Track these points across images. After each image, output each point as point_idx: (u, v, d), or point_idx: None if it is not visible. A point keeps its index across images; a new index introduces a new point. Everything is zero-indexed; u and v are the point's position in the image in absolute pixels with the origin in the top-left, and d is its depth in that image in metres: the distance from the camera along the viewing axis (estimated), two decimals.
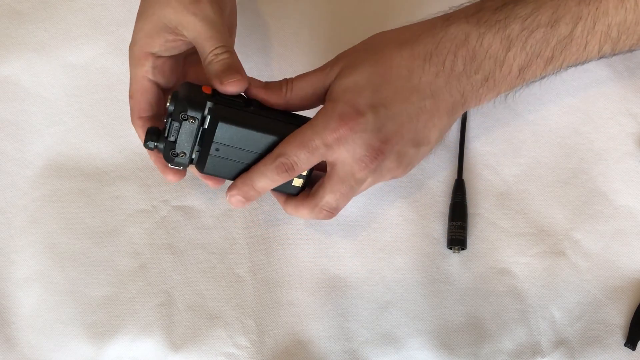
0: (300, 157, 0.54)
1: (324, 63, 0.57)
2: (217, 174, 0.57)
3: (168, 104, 0.54)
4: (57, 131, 0.68)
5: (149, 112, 0.59)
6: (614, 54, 0.60)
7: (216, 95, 0.55)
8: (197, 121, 0.54)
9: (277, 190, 0.58)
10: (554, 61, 0.57)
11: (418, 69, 0.54)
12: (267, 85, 0.57)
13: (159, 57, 0.58)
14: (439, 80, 0.55)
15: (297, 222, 0.65)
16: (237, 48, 0.69)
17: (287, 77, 0.57)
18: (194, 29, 0.56)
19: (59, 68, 0.70)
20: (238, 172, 0.57)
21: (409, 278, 0.63)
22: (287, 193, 0.59)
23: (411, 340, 0.61)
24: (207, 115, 0.54)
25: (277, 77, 0.68)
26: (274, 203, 0.65)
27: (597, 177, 0.65)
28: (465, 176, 0.65)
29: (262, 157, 0.56)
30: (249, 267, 0.64)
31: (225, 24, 0.57)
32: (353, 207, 0.65)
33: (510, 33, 0.54)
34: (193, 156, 0.56)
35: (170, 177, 0.58)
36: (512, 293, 0.62)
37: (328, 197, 0.56)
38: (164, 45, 0.58)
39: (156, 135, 0.56)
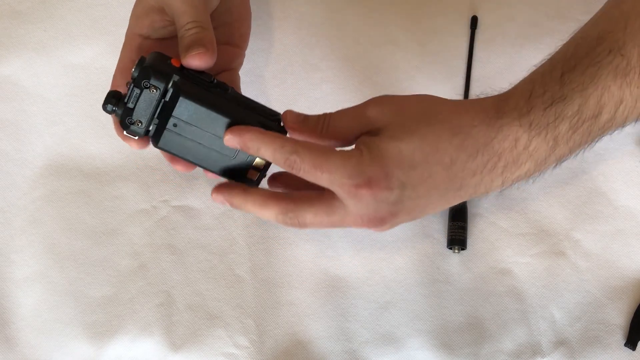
0: (310, 174, 0.51)
1: (365, 101, 0.54)
2: (172, 151, 0.55)
3: (133, 70, 0.53)
4: (57, 131, 0.68)
5: (122, 89, 0.57)
6: None
7: (184, 70, 0.53)
8: (158, 91, 0.52)
9: (227, 177, 0.56)
10: (591, 142, 0.55)
11: (460, 163, 0.51)
12: (305, 120, 0.54)
13: (147, 38, 0.58)
14: (473, 179, 0.52)
15: None
16: None
17: (326, 113, 0.54)
18: (172, 7, 0.55)
19: (59, 68, 0.70)
20: (193, 153, 0.54)
21: (409, 278, 0.63)
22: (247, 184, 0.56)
23: (411, 340, 0.61)
24: (170, 89, 0.52)
25: (277, 77, 0.69)
26: None
27: (597, 177, 0.65)
28: None
29: (221, 141, 0.53)
30: (249, 267, 0.64)
31: (205, 3, 0.56)
32: None
33: (557, 134, 0.52)
34: (150, 128, 0.54)
35: (133, 144, 0.56)
36: (512, 293, 0.62)
37: (309, 216, 0.53)
38: (151, 27, 0.57)
39: (116, 99, 0.54)
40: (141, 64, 0.52)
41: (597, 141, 0.54)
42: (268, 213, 0.53)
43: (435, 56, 0.69)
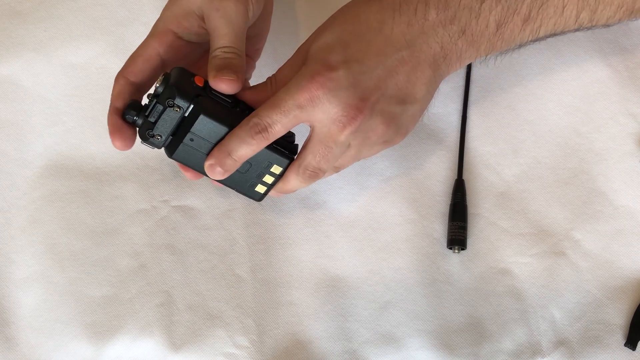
0: (274, 118, 0.52)
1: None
2: (184, 162, 0.56)
3: (157, 85, 0.54)
4: (57, 131, 0.68)
5: (139, 78, 0.57)
6: (592, 26, 0.58)
7: (206, 89, 0.54)
8: (181, 111, 0.53)
9: (242, 193, 0.58)
10: (531, 22, 0.55)
11: (388, 20, 0.53)
12: (254, 87, 0.57)
13: (179, 38, 0.58)
14: (412, 30, 0.53)
15: (297, 222, 0.65)
16: None
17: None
18: (213, 23, 0.55)
19: (59, 68, 0.70)
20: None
21: (409, 278, 0.63)
22: (251, 198, 0.59)
23: (411, 340, 0.61)
24: (191, 105, 0.53)
25: None
26: (274, 203, 0.65)
27: (597, 177, 0.65)
28: (465, 176, 0.65)
29: None
30: (249, 267, 0.64)
31: (244, 29, 0.57)
32: (353, 207, 0.65)
33: None
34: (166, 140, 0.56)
35: (118, 144, 0.57)
36: (512, 293, 0.62)
37: (309, 158, 0.55)
38: (188, 29, 0.57)
39: (137, 110, 0.55)
40: (166, 81, 0.54)
41: (541, 32, 0.56)
42: (290, 182, 0.57)
43: None
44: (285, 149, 0.56)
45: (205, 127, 0.54)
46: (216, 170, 0.55)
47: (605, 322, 0.61)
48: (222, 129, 0.54)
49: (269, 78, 0.57)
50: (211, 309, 0.63)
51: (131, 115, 0.55)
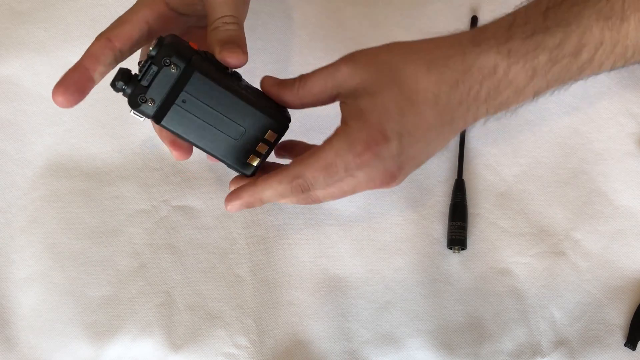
0: (319, 180, 0.52)
1: (337, 60, 0.55)
2: (175, 130, 0.54)
3: (151, 48, 0.52)
4: (57, 131, 0.68)
5: (121, 43, 0.55)
6: (623, 67, 0.58)
7: (202, 54, 0.53)
8: (178, 70, 0.52)
9: (234, 169, 0.56)
10: (569, 82, 0.56)
11: (443, 95, 0.52)
12: (282, 83, 0.56)
13: (170, 8, 0.57)
14: (461, 108, 0.53)
15: (297, 222, 0.65)
16: None
17: (302, 74, 0.55)
18: None
19: (59, 68, 0.69)
20: (197, 133, 0.54)
21: (409, 278, 0.63)
22: (240, 172, 0.56)
23: (411, 340, 0.61)
24: (184, 65, 0.52)
25: (277, 77, 0.68)
26: (274, 203, 0.65)
27: (597, 177, 0.65)
28: (465, 176, 0.65)
29: (229, 122, 0.54)
30: (249, 267, 0.64)
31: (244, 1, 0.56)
32: (353, 207, 0.65)
33: (536, 65, 0.53)
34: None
35: (60, 98, 0.54)
36: (512, 293, 0.62)
37: (319, 189, 0.54)
38: (181, 0, 0.56)
39: (127, 77, 0.53)
40: (161, 42, 0.52)
41: (572, 83, 0.56)
42: (281, 192, 0.54)
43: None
44: (277, 117, 0.55)
45: (200, 86, 0.52)
46: (237, 207, 0.55)
47: (605, 322, 0.61)
48: (217, 89, 0.52)
49: (297, 79, 0.55)
50: (211, 309, 0.63)
51: (122, 82, 0.52)
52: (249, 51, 0.68)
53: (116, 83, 0.53)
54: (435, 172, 0.65)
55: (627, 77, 0.67)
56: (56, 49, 0.70)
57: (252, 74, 0.68)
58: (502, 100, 0.54)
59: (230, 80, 0.54)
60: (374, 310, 0.62)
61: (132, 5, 0.57)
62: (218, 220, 0.65)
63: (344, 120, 0.53)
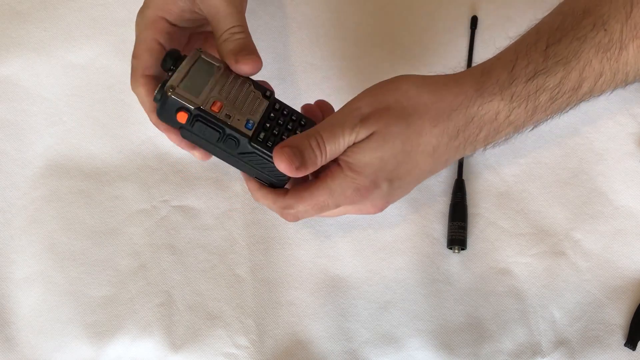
0: (309, 213, 0.55)
1: (355, 119, 0.53)
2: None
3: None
4: (57, 131, 0.68)
5: (154, 70, 0.57)
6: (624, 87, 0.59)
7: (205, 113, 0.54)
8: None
9: (263, 181, 0.56)
10: (567, 110, 0.57)
11: (442, 146, 0.54)
12: (303, 163, 0.53)
13: (171, 24, 0.58)
14: (457, 152, 0.56)
15: (297, 222, 0.65)
16: None
17: (317, 140, 0.53)
18: (213, 4, 0.55)
19: (59, 68, 0.70)
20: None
21: (409, 278, 0.63)
22: (273, 185, 0.56)
23: (411, 340, 0.61)
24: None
25: (277, 77, 0.68)
26: None
27: (597, 177, 0.65)
28: (465, 176, 0.65)
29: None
30: (249, 267, 0.64)
31: (242, 3, 0.57)
32: None
33: (537, 104, 0.54)
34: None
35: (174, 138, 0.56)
36: (512, 293, 0.62)
37: (301, 206, 0.55)
38: (179, 15, 0.57)
39: (174, 59, 0.54)
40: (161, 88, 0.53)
41: (572, 108, 0.57)
42: (273, 209, 0.57)
43: (436, 56, 0.69)
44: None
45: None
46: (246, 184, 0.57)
47: (605, 322, 0.61)
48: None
49: (317, 148, 0.53)
50: (211, 309, 0.62)
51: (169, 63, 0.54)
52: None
53: (165, 63, 0.54)
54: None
55: None
56: (56, 49, 0.70)
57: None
58: (500, 137, 0.56)
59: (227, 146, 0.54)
60: (374, 310, 0.62)
61: (135, 24, 0.58)
62: (218, 220, 0.65)
63: (344, 165, 0.53)
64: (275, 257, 0.64)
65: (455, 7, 0.70)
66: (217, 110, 0.53)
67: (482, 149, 0.57)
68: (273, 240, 0.64)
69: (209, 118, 0.53)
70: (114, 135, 0.68)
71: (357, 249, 0.64)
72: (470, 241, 0.63)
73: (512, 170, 0.65)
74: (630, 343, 0.60)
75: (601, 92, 0.56)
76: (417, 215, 0.64)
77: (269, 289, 0.63)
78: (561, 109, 0.56)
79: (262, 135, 0.54)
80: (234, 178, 0.66)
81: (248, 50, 0.55)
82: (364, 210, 0.56)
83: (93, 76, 0.70)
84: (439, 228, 0.64)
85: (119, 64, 0.70)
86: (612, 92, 0.57)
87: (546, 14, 0.57)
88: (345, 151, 0.53)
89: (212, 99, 0.53)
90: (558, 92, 0.54)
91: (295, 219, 0.56)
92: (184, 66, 0.53)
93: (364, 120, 0.53)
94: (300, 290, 0.63)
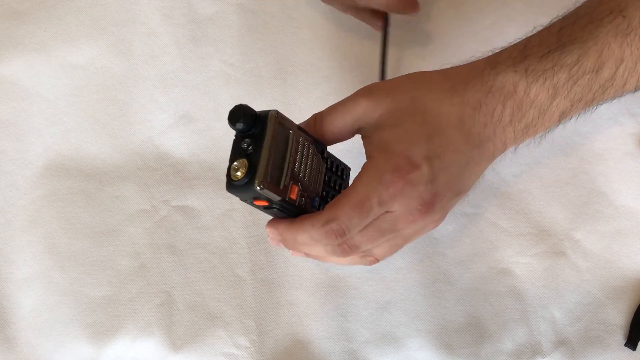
0: (354, 222, 0.49)
1: (353, 95, 0.53)
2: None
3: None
4: (57, 131, 0.68)
5: None
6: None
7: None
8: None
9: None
10: (594, 102, 0.55)
11: (468, 119, 0.52)
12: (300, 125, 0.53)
13: None
14: (487, 131, 0.53)
15: None
16: (238, 49, 0.70)
17: (316, 114, 0.54)
18: None
19: (59, 68, 0.70)
20: None
21: (409, 278, 0.63)
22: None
23: (411, 340, 0.61)
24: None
25: (277, 77, 0.69)
26: None
27: (597, 177, 0.65)
28: None
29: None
30: (249, 267, 0.64)
31: None
32: None
33: (557, 82, 0.52)
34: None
35: None
36: (512, 293, 0.62)
37: (356, 234, 0.51)
38: None
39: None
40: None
41: (598, 105, 0.55)
42: (315, 236, 0.51)
43: (436, 56, 0.69)
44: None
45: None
46: (273, 238, 0.53)
47: (606, 322, 0.61)
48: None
49: (312, 119, 0.54)
50: (211, 309, 0.63)
51: None
52: (249, 52, 0.68)
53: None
54: None
55: None
56: (56, 49, 0.70)
57: (252, 74, 0.69)
58: (527, 122, 0.53)
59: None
60: (374, 310, 0.62)
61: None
62: (218, 220, 0.65)
63: (369, 155, 0.52)
64: (275, 257, 0.64)
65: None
66: (294, 198, 0.50)
67: (513, 137, 0.53)
68: None
69: (286, 206, 0.50)
70: (114, 135, 0.68)
71: None
72: (470, 241, 0.63)
73: (512, 170, 0.65)
74: (631, 343, 0.60)
75: (624, 84, 0.54)
76: None
77: (269, 289, 0.63)
78: (584, 98, 0.53)
79: (321, 207, 0.52)
80: None
81: None
82: (416, 212, 0.51)
83: (93, 76, 0.70)
84: (439, 228, 0.64)
85: (119, 64, 0.70)
86: (635, 91, 0.55)
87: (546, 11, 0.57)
88: (364, 136, 0.52)
89: (290, 182, 0.49)
90: (577, 72, 0.52)
91: (342, 234, 0.49)
92: (267, 144, 0.48)
93: (368, 93, 0.51)
94: (300, 290, 0.63)
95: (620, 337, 0.61)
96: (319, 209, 0.52)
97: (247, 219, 0.65)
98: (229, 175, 0.49)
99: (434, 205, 0.51)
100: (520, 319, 0.61)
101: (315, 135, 0.53)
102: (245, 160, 0.48)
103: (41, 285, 0.64)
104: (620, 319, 0.61)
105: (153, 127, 0.68)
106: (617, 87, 0.54)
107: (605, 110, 0.66)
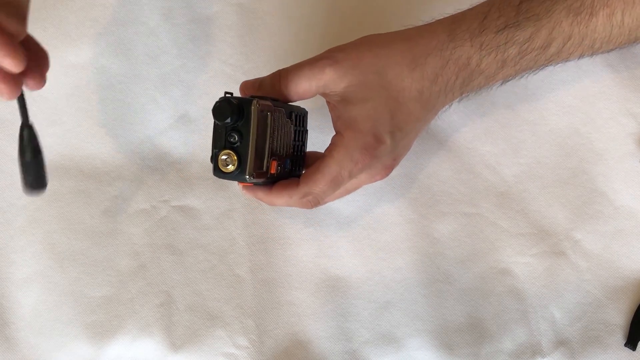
0: (327, 193, 0.56)
1: (319, 59, 0.56)
2: None
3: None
4: (57, 131, 0.68)
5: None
6: (591, 56, 0.61)
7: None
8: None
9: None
10: (536, 69, 0.60)
11: (426, 90, 0.56)
12: (261, 83, 0.57)
13: None
14: (440, 97, 0.57)
15: (297, 222, 0.65)
16: (238, 49, 0.70)
17: (280, 71, 0.57)
18: None
19: (59, 68, 0.70)
20: None
21: (409, 278, 0.63)
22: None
23: (411, 340, 0.61)
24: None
25: None
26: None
27: (597, 177, 0.65)
28: (465, 176, 0.65)
29: None
30: (249, 267, 0.64)
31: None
32: (353, 207, 0.65)
33: (506, 57, 0.57)
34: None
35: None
36: (512, 293, 0.62)
37: (317, 188, 0.56)
38: None
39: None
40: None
41: (541, 69, 0.60)
42: (292, 204, 0.57)
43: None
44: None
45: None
46: (248, 195, 0.58)
47: (605, 322, 0.61)
48: None
49: (276, 77, 0.56)
50: (211, 309, 0.62)
51: None
52: (249, 52, 0.68)
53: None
54: (435, 172, 0.65)
55: (627, 77, 0.67)
56: (56, 49, 0.70)
57: (252, 74, 0.69)
58: (473, 86, 0.58)
59: None
60: (374, 310, 0.62)
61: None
62: (218, 220, 0.65)
63: (338, 130, 0.56)
64: (275, 257, 0.64)
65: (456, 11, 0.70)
66: (274, 172, 0.54)
67: (459, 96, 0.59)
68: (273, 240, 0.64)
69: (267, 180, 0.55)
70: (113, 135, 0.68)
71: (357, 249, 0.64)
72: (470, 241, 0.63)
73: (512, 170, 0.65)
74: (631, 343, 0.60)
75: (568, 55, 0.59)
76: (417, 215, 0.64)
77: (269, 289, 0.63)
78: (529, 67, 0.58)
79: (290, 165, 0.57)
80: None
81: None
82: (377, 175, 0.58)
83: (93, 76, 0.70)
84: (439, 228, 0.64)
85: (118, 64, 0.70)
86: (578, 59, 0.59)
87: None
88: (330, 103, 0.57)
89: (270, 160, 0.54)
90: (527, 48, 0.56)
91: (317, 203, 0.57)
92: (252, 137, 0.52)
93: (334, 62, 0.55)
94: (300, 290, 0.63)
95: (620, 337, 0.60)
96: (291, 169, 0.57)
97: (247, 219, 0.65)
98: (216, 163, 0.52)
99: (393, 167, 0.59)
100: (520, 319, 0.61)
101: (278, 93, 0.56)
102: (233, 153, 0.52)
103: (41, 285, 0.64)
104: (620, 319, 0.61)
105: (153, 127, 0.68)
106: (562, 58, 0.59)
107: (605, 110, 0.66)
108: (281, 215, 0.65)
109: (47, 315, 0.63)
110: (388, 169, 0.58)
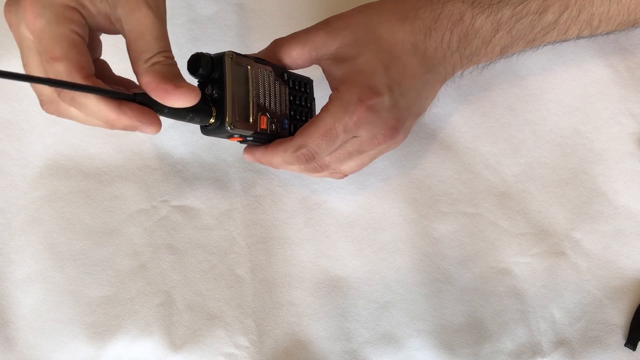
0: (322, 147, 0.54)
1: (313, 27, 0.57)
2: None
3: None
4: (57, 131, 0.68)
5: (90, 69, 0.48)
6: (590, 37, 0.62)
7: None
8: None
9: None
10: (535, 43, 0.59)
11: (420, 45, 0.56)
12: (258, 53, 0.58)
13: (84, 22, 0.49)
14: (438, 55, 0.57)
15: (297, 222, 0.65)
16: (239, 49, 0.70)
17: (276, 41, 0.58)
18: (139, 20, 0.48)
19: None
20: None
21: (409, 278, 0.63)
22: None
23: (411, 340, 0.61)
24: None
25: None
26: (274, 202, 0.65)
27: (597, 177, 0.65)
28: (465, 176, 0.65)
29: None
30: (249, 267, 0.64)
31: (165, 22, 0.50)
32: (353, 207, 0.65)
33: (500, 18, 0.57)
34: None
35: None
36: (512, 293, 0.62)
37: (310, 141, 0.55)
38: (93, 15, 0.49)
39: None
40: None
41: (541, 46, 0.59)
42: (287, 160, 0.56)
43: None
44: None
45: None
46: (249, 158, 0.58)
47: (606, 322, 0.61)
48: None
49: (271, 45, 0.58)
50: (211, 309, 0.62)
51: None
52: (249, 51, 0.68)
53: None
54: (435, 172, 0.65)
55: (628, 77, 0.67)
56: None
57: None
58: (472, 50, 0.57)
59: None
60: (374, 310, 0.62)
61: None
62: (218, 220, 0.65)
63: (333, 87, 0.56)
64: (275, 257, 0.64)
65: None
66: (265, 127, 0.54)
67: (460, 63, 0.58)
68: (273, 240, 0.64)
69: (260, 136, 0.55)
70: (113, 135, 0.68)
71: (357, 249, 0.64)
72: (470, 241, 0.63)
73: (512, 170, 0.65)
74: (631, 343, 0.60)
75: (566, 31, 0.58)
76: (417, 215, 0.64)
77: (269, 289, 0.63)
78: (526, 37, 0.58)
79: (292, 128, 0.57)
80: (234, 178, 0.66)
81: (180, 78, 0.48)
82: (380, 135, 0.55)
83: None
84: (439, 228, 0.64)
85: (119, 64, 0.69)
86: (577, 39, 0.59)
87: None
88: (325, 69, 0.56)
89: (258, 114, 0.54)
90: (521, 11, 0.56)
91: (311, 158, 0.55)
92: (228, 85, 0.52)
93: (327, 25, 0.56)
94: (300, 290, 0.63)
95: (620, 337, 0.61)
96: (289, 129, 0.57)
97: (247, 219, 0.65)
98: None
99: (397, 129, 0.56)
100: (520, 319, 0.61)
101: (275, 61, 0.57)
102: (212, 105, 0.52)
103: (41, 285, 0.64)
104: (620, 319, 0.61)
105: None
106: (559, 32, 0.58)
107: (605, 110, 0.66)
108: (281, 215, 0.65)
109: (47, 315, 0.63)
110: (392, 130, 0.55)
